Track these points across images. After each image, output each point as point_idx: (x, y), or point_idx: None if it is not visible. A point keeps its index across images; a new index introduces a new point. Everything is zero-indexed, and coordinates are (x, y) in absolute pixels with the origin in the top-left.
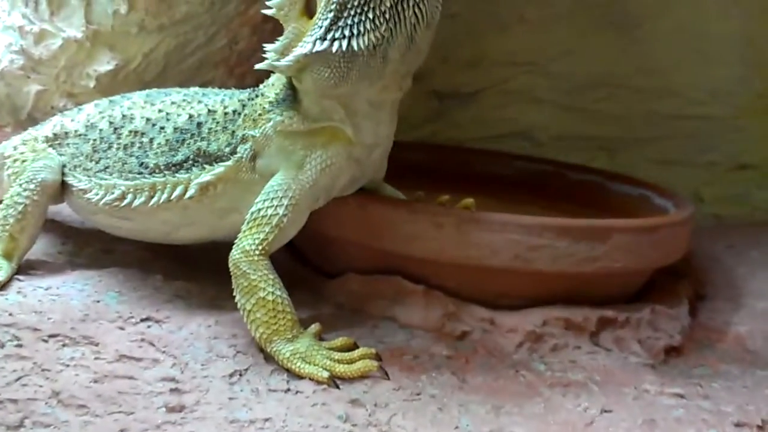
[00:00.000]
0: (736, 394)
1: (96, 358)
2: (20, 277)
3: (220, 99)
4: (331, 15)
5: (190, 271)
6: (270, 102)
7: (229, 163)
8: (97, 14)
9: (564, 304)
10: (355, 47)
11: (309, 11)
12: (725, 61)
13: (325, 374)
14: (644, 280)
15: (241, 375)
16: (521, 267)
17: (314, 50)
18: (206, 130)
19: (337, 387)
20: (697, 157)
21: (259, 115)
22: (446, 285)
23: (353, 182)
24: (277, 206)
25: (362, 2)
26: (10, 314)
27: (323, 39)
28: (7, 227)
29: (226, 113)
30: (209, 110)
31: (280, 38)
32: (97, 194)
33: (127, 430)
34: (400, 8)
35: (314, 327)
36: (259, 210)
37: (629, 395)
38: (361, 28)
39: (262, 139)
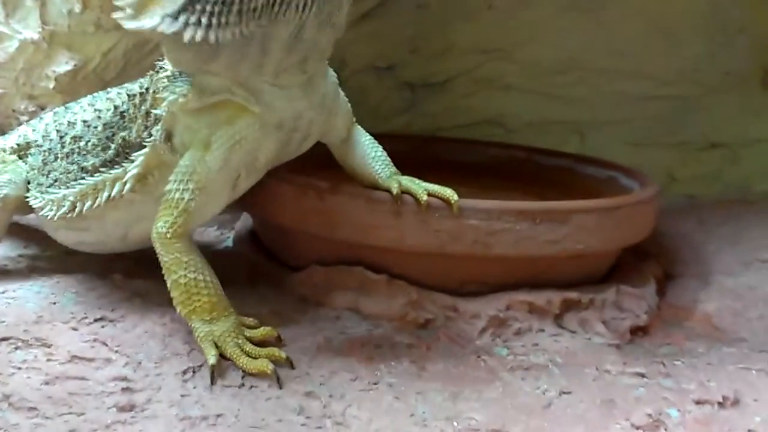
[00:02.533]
0: (700, 372)
1: (48, 360)
2: None
3: (141, 80)
4: None
5: (150, 269)
6: (167, 76)
7: (147, 149)
8: (53, 14)
9: (528, 288)
10: (212, 39)
11: None
12: (691, 39)
13: (213, 360)
14: (611, 261)
15: (194, 372)
16: (482, 252)
17: (162, 30)
18: (127, 119)
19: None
20: (667, 137)
21: (161, 91)
22: (409, 273)
23: (290, 146)
24: (183, 190)
25: None
26: None
27: (175, 18)
28: None
29: (141, 93)
30: (129, 95)
31: None
32: (51, 210)
33: (77, 431)
34: (276, 8)
35: (251, 320)
36: (168, 191)
37: (590, 376)
38: (222, 20)
39: (169, 118)
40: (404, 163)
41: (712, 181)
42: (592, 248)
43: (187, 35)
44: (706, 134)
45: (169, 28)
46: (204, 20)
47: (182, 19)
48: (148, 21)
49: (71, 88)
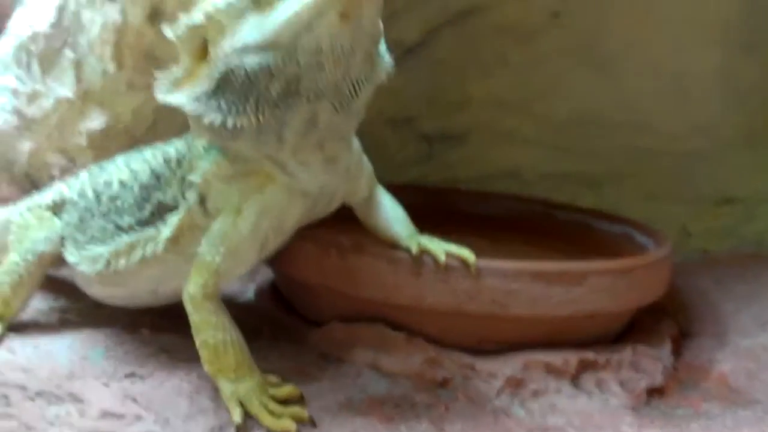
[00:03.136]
0: None
1: (80, 416)
2: (11, 335)
3: (177, 145)
4: (213, 84)
5: (176, 323)
6: (203, 146)
7: (182, 212)
8: (87, 74)
9: (545, 348)
10: (230, 125)
11: (205, 51)
12: (705, 96)
13: (238, 419)
14: (626, 320)
15: (221, 429)
16: (499, 312)
17: (188, 110)
18: (163, 181)
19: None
20: (682, 192)
21: (197, 158)
22: (428, 331)
23: (316, 209)
24: (215, 254)
25: (247, 83)
26: (0, 372)
27: (199, 101)
28: (2, 292)
29: (178, 159)
30: (165, 159)
31: (175, 67)
32: (87, 266)
33: None
34: (290, 101)
35: (274, 378)
36: (201, 254)
37: None
38: (240, 109)
39: (204, 184)
40: (422, 215)
41: (727, 236)
42: (607, 309)
43: (207, 119)
44: (721, 189)
45: (193, 109)
46: (224, 107)
47: (207, 103)
48: (177, 98)
49: (102, 144)
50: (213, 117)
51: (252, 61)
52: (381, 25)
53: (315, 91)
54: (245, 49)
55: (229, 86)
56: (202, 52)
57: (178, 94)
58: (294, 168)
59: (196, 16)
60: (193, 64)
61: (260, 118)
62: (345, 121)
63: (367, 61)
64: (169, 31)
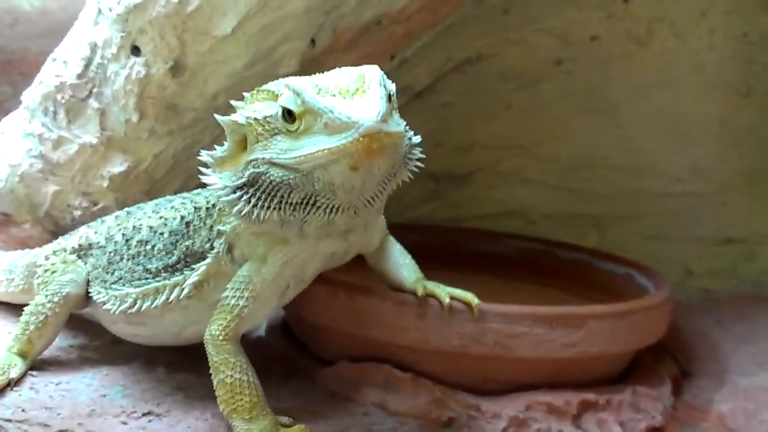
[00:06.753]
0: None
1: None
2: (33, 373)
3: (206, 195)
4: (244, 179)
5: (191, 361)
6: None
7: (209, 259)
8: (111, 122)
9: (547, 388)
10: (254, 216)
11: (245, 143)
12: (703, 140)
13: None
14: (627, 361)
15: None
16: (503, 354)
17: (221, 197)
18: (192, 229)
19: None
20: (684, 232)
21: (226, 210)
22: (433, 372)
23: (334, 260)
24: (239, 297)
25: (271, 188)
26: (23, 410)
27: (233, 191)
28: (27, 332)
29: (207, 208)
30: (195, 208)
31: (221, 148)
32: (113, 305)
33: None
34: (309, 206)
35: (285, 419)
36: (225, 298)
37: None
38: (266, 204)
39: (232, 234)
40: (428, 253)
41: (728, 276)
42: (607, 351)
43: (235, 209)
44: (721, 230)
45: (225, 196)
46: (252, 201)
47: (238, 193)
48: (215, 181)
49: (123, 187)
50: (241, 206)
51: (276, 173)
52: (402, 151)
53: (330, 206)
54: (272, 163)
55: (257, 185)
56: (243, 143)
57: (218, 176)
58: (316, 241)
59: (241, 115)
60: (235, 150)
61: (282, 216)
62: (364, 218)
63: (382, 184)
64: (220, 118)
